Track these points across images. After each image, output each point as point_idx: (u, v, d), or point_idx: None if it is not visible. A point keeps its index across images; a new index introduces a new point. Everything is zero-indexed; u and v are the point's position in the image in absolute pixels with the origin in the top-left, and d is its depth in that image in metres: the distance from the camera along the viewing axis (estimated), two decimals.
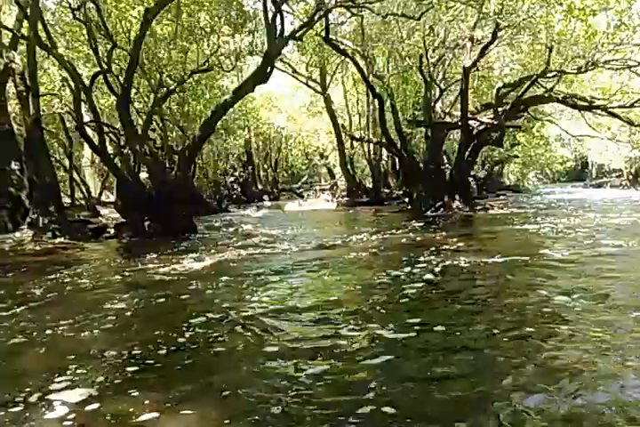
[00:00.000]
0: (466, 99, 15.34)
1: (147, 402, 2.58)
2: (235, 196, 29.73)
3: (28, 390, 2.79)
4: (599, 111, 16.17)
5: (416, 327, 3.62)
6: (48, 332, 3.94)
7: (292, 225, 14.17)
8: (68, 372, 3.04)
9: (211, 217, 18.44)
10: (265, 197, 31.97)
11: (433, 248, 7.64)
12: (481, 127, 16.03)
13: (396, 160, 21.85)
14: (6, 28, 12.06)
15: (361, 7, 12.53)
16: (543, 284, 4.92)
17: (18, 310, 4.79)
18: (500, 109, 15.49)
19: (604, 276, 5.07)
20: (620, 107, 15.08)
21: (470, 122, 16.00)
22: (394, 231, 10.77)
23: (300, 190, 34.44)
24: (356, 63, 16.37)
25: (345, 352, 3.18)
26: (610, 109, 15.41)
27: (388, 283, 5.40)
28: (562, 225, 10.41)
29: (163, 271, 6.74)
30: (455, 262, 6.22)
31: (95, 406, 2.57)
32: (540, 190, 32.53)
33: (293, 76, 23.67)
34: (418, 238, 9.43)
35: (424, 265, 6.16)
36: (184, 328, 3.87)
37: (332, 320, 3.96)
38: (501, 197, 24.20)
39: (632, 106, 14.96)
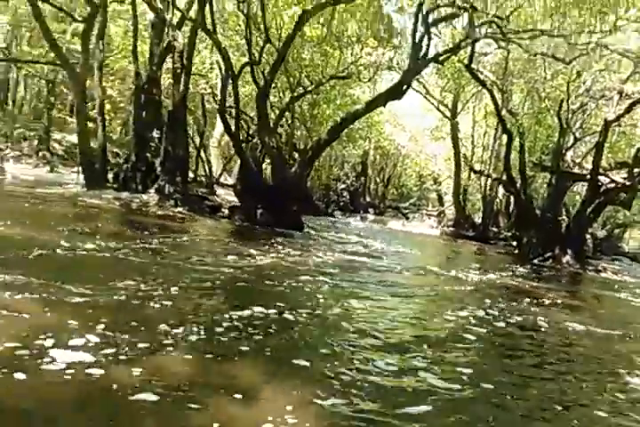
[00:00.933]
0: (600, 153, 14.43)
1: None
2: (342, 203, 30.06)
3: None
4: None
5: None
6: None
7: (395, 243, 14.12)
8: None
9: (316, 218, 18.78)
10: (370, 209, 31.99)
11: (531, 299, 7.31)
12: (611, 185, 14.98)
13: (511, 200, 21.01)
14: (178, 9, 13.13)
15: (510, 41, 12.22)
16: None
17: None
18: (636, 170, 14.39)
19: None
20: None
21: (600, 177, 15.02)
22: (496, 272, 10.40)
23: (406, 211, 34.07)
24: (492, 95, 15.96)
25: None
26: None
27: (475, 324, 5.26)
28: None
29: (260, 260, 7.03)
30: (545, 319, 5.88)
31: None
32: None
33: (426, 98, 23.50)
34: (520, 285, 9.06)
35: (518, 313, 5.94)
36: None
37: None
38: (616, 262, 22.45)
39: None
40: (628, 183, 14.31)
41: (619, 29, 10.24)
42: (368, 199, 33.55)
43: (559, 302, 7.66)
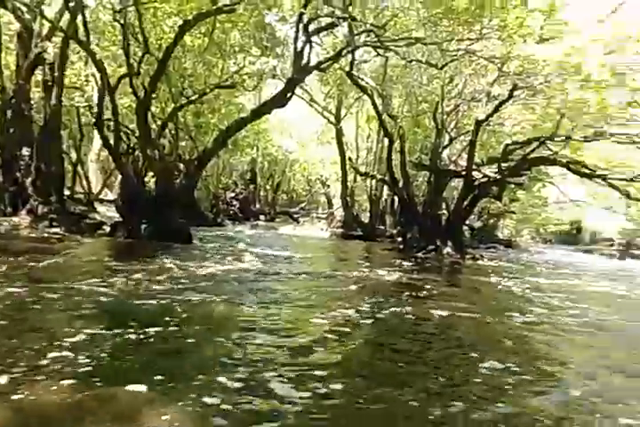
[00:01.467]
0: (473, 150, 15.72)
1: None
2: (232, 211, 29.92)
3: None
4: (599, 180, 16.53)
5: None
6: None
7: (284, 248, 14.34)
8: None
9: (205, 229, 18.58)
10: (261, 216, 32.16)
11: (411, 291, 7.79)
12: (483, 180, 16.37)
13: (396, 199, 22.15)
14: (46, 19, 12.42)
15: (388, 49, 12.96)
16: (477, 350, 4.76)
17: None
18: (504, 165, 15.84)
19: (545, 354, 4.94)
20: (620, 179, 15.44)
21: (474, 173, 16.35)
22: (381, 268, 10.95)
23: (297, 215, 34.63)
24: (372, 100, 16.79)
25: None
26: (610, 180, 15.77)
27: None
28: (546, 286, 10.62)
29: (136, 276, 6.86)
30: (415, 309, 6.28)
31: None
32: (531, 248, 32.83)
33: (310, 104, 24.13)
34: (403, 279, 9.60)
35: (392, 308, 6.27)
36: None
37: None
38: (492, 250, 24.44)
39: (632, 180, 15.33)
40: (498, 177, 15.73)
41: (484, 37, 11.33)
42: (258, 206, 33.70)
43: (436, 291, 8.18)
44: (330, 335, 4.70)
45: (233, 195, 31.40)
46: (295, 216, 34.30)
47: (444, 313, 6.12)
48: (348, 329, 5.05)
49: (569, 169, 16.49)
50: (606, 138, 14.33)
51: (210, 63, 18.17)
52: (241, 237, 17.22)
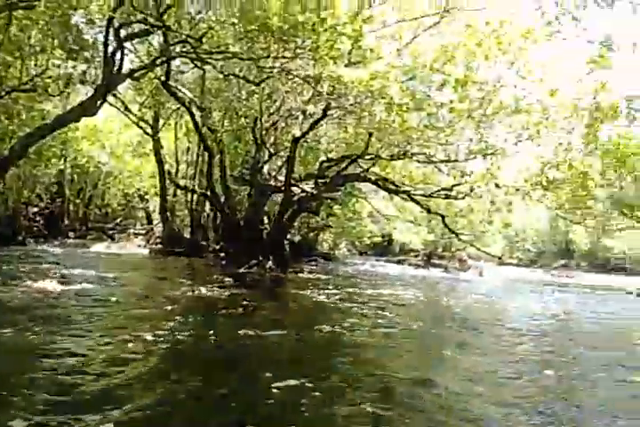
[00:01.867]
0: (292, 166, 16.11)
1: None
2: (36, 228, 26.99)
3: None
4: (405, 196, 17.99)
5: None
6: None
7: (94, 267, 13.23)
8: None
9: (2, 250, 16.47)
10: (71, 233, 29.47)
11: (223, 308, 7.57)
12: (302, 195, 16.85)
13: (218, 214, 21.84)
14: None
15: (204, 62, 12.73)
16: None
17: None
18: (320, 181, 16.48)
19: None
20: (421, 195, 16.96)
21: (293, 188, 16.76)
22: (202, 285, 10.60)
23: (112, 232, 32.38)
24: (191, 113, 16.38)
25: None
26: (413, 196, 17.24)
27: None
28: (358, 296, 11.15)
29: None
30: (223, 329, 6.11)
31: None
32: (349, 260, 34.64)
33: (125, 114, 22.82)
34: (222, 296, 9.36)
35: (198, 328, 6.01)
36: None
37: None
38: (313, 263, 25.25)
39: (430, 196, 16.94)
40: (315, 192, 16.30)
41: (298, 56, 11.67)
42: (67, 222, 30.88)
43: (252, 307, 8.15)
44: (105, 365, 4.27)
45: (36, 210, 28.39)
46: (110, 233, 32.06)
47: (252, 332, 5.98)
48: (134, 356, 4.66)
49: (377, 185, 17.72)
50: (409, 157, 15.66)
51: (5, 63, 16.25)
52: (45, 257, 15.58)
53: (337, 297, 10.51)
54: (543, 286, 25.84)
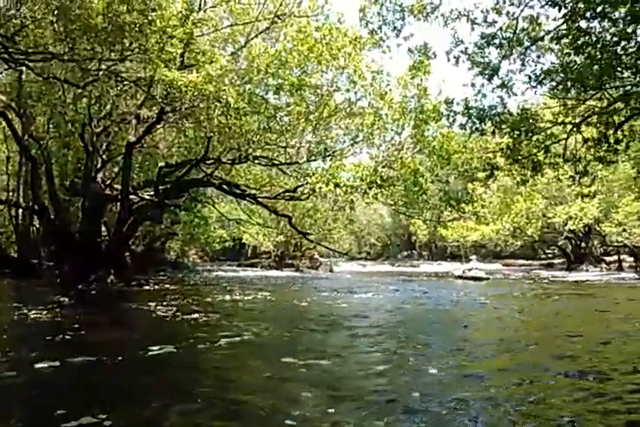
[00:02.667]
0: (128, 173, 15.25)
1: None
2: None
3: None
4: (251, 199, 17.94)
5: None
6: None
7: None
8: None
9: None
10: None
11: (51, 334, 6.86)
12: (141, 203, 16.03)
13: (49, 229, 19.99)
14: None
15: (19, 63, 11.55)
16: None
17: None
18: (161, 187, 15.79)
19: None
20: (265, 197, 17.03)
21: (131, 196, 15.88)
22: (31, 308, 9.58)
23: None
24: (7, 120, 14.76)
25: None
26: (258, 199, 17.25)
27: None
28: (203, 305, 10.89)
29: None
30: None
31: None
32: (200, 268, 33.86)
33: None
34: (48, 318, 8.54)
35: None
36: None
37: None
38: (160, 273, 24.24)
39: (276, 197, 17.08)
40: (155, 200, 15.58)
41: (126, 59, 11.00)
42: None
43: (80, 332, 7.36)
44: None
45: None
46: None
47: (56, 362, 5.28)
48: None
49: (222, 189, 17.46)
50: (251, 160, 15.63)
51: None
52: None
53: (181, 308, 10.12)
54: (390, 276, 27.51)
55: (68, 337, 6.75)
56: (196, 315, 9.09)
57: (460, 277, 23.97)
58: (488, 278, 22.98)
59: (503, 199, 32.72)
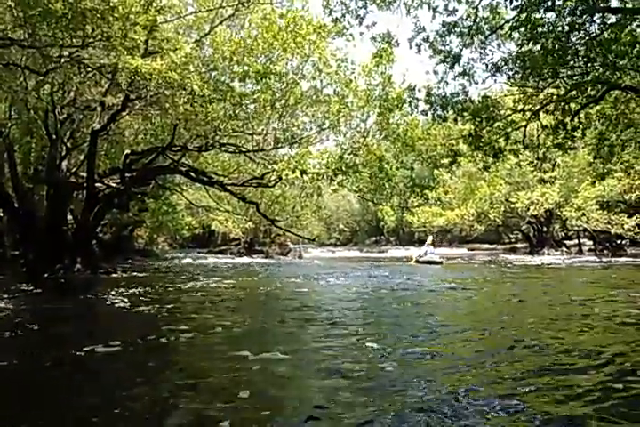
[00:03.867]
0: (93, 161, 15.15)
1: None
2: None
3: None
4: (218, 186, 18.01)
5: None
6: None
7: None
8: None
9: None
10: None
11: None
12: (107, 191, 15.96)
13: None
14: None
15: None
16: None
17: None
18: (127, 175, 15.73)
19: None
20: (233, 184, 17.12)
21: (97, 184, 15.80)
22: None
23: None
24: None
25: None
26: (226, 186, 17.33)
27: None
28: (167, 294, 11.00)
29: None
30: None
31: None
32: (169, 255, 33.74)
33: None
34: (14, 309, 8.56)
35: None
36: None
37: None
38: (129, 261, 24.14)
39: (243, 184, 17.20)
40: (121, 187, 15.54)
41: (88, 45, 10.91)
42: None
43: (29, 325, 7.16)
44: None
45: None
46: None
47: None
48: None
49: (189, 177, 17.48)
50: (217, 147, 15.69)
51: None
52: None
53: (147, 297, 10.19)
54: (357, 262, 27.92)
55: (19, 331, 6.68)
56: (159, 305, 9.10)
57: (417, 262, 24.71)
58: (442, 262, 23.79)
59: (468, 185, 33.40)
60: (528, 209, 29.90)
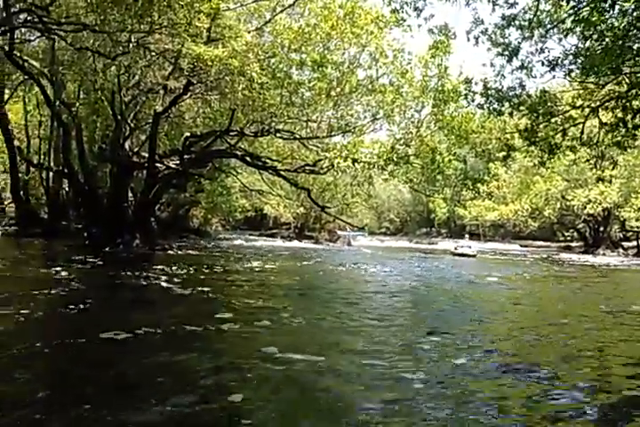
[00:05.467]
0: (154, 142, 15.80)
1: None
2: None
3: None
4: (272, 171, 18.40)
5: None
6: None
7: None
8: None
9: None
10: None
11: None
12: (167, 171, 16.62)
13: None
14: None
15: (52, 32, 12.03)
16: None
17: None
18: (186, 157, 16.34)
19: None
20: (286, 170, 17.48)
21: (157, 165, 16.47)
22: (64, 266, 10.31)
23: None
24: (40, 85, 15.36)
25: None
26: (279, 171, 17.70)
27: None
28: (215, 271, 11.44)
29: None
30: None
31: None
32: (221, 236, 34.65)
33: None
34: (78, 275, 9.21)
35: None
36: None
37: None
38: (184, 240, 25.01)
39: (296, 170, 17.53)
40: (180, 168, 16.17)
41: (155, 31, 11.40)
42: None
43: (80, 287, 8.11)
44: None
45: None
46: None
47: None
48: None
49: (244, 161, 17.95)
50: (272, 133, 16.05)
51: None
52: None
53: (195, 276, 10.66)
54: (406, 252, 27.95)
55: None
56: (210, 284, 9.50)
57: (453, 254, 25.25)
58: (475, 255, 24.13)
59: (523, 180, 32.68)
60: (585, 207, 29.06)
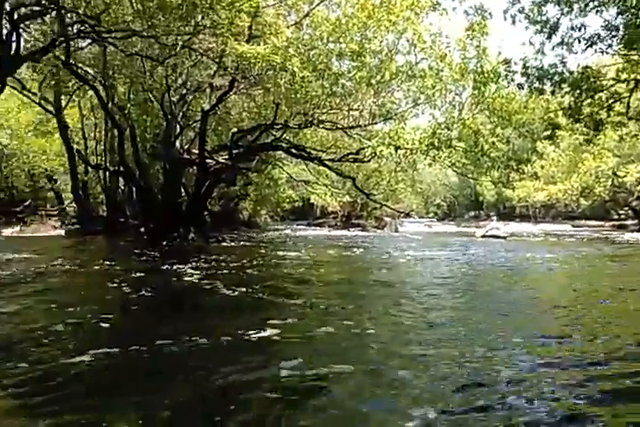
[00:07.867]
0: (204, 139, 16.47)
1: None
2: None
3: None
4: (316, 162, 18.85)
5: None
6: None
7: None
8: None
9: None
10: None
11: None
12: (217, 166, 17.30)
13: (134, 190, 21.78)
14: None
15: (104, 40, 12.74)
16: None
17: None
18: (234, 151, 16.97)
19: None
20: (330, 159, 17.87)
21: (207, 160, 17.16)
22: (125, 261, 11.08)
23: (22, 215, 31.16)
24: (95, 90, 16.21)
25: None
26: (324, 161, 18.12)
27: None
28: (271, 261, 11.97)
29: None
30: None
31: None
32: (270, 227, 35.46)
33: (23, 93, 21.89)
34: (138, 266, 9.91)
35: None
36: None
37: None
38: (235, 232, 25.83)
39: (340, 160, 17.90)
40: (229, 163, 16.81)
41: (199, 32, 11.96)
42: None
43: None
44: None
45: None
46: (20, 216, 30.86)
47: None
48: None
49: (290, 153, 18.45)
50: (315, 124, 16.45)
51: None
52: None
53: (251, 266, 11.12)
54: (454, 236, 27.89)
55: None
56: (264, 275, 10.04)
57: (483, 236, 25.05)
58: (505, 237, 23.85)
59: (573, 158, 31.99)
60: (638, 184, 28.26)
